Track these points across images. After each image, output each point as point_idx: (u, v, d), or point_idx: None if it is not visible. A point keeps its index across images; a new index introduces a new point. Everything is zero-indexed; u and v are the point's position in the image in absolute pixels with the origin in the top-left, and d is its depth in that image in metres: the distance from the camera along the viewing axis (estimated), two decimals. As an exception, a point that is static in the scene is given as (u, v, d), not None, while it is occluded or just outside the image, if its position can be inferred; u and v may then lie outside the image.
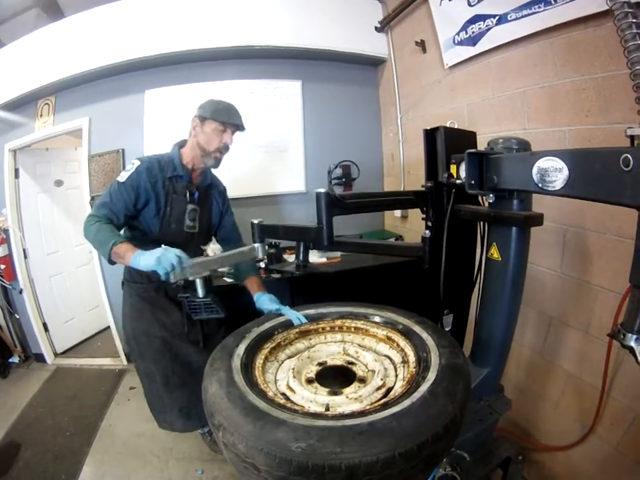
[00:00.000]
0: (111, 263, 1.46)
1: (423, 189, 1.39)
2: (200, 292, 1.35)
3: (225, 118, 1.65)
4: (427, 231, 1.28)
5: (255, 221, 1.45)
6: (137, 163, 1.67)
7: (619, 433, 1.61)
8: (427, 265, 1.27)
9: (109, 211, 1.58)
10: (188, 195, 1.73)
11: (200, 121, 1.68)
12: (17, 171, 3.46)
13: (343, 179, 1.29)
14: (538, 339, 2.01)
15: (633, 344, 0.84)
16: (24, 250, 3.53)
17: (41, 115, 3.30)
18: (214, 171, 1.87)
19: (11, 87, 3.12)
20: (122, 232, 1.68)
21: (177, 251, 1.33)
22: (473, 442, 1.41)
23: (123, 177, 1.64)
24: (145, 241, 1.65)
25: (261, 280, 1.84)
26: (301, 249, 1.41)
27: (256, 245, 1.45)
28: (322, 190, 1.18)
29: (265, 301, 1.63)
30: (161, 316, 1.82)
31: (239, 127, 1.71)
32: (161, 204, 1.69)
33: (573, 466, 1.82)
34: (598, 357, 1.62)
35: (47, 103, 3.27)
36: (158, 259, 1.30)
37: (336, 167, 1.25)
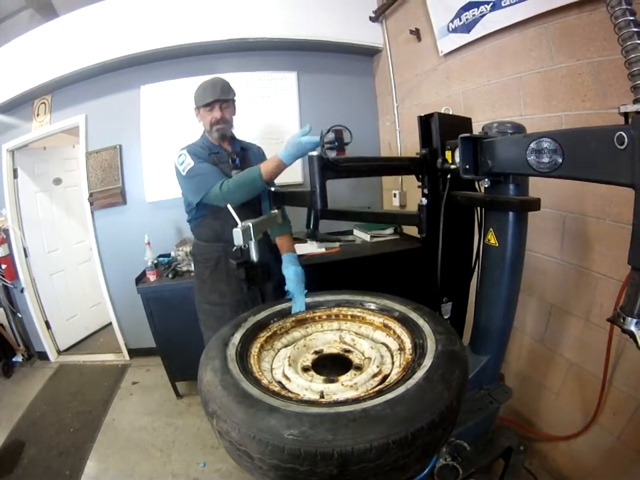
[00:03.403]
0: (269, 185, 1.59)
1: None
2: (254, 256, 1.32)
3: (203, 101, 1.83)
4: (424, 199, 1.26)
5: (272, 189, 1.53)
6: (184, 151, 1.80)
7: (622, 422, 1.60)
8: (424, 234, 1.26)
9: (213, 177, 1.69)
10: (231, 161, 1.88)
11: (196, 110, 1.91)
12: (15, 171, 3.46)
13: (336, 143, 1.27)
14: (538, 326, 2.00)
15: (633, 328, 0.82)
16: (24, 249, 3.53)
17: (38, 114, 3.28)
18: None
19: (7, 87, 3.10)
20: (190, 212, 1.90)
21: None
22: (473, 431, 1.40)
23: (189, 163, 1.75)
24: (211, 211, 1.82)
25: (292, 238, 1.92)
26: (312, 217, 1.40)
27: (273, 211, 1.52)
28: (315, 153, 1.17)
29: (288, 267, 1.68)
30: (220, 285, 1.92)
31: (218, 100, 1.82)
32: None
33: (576, 456, 1.82)
34: (599, 345, 1.61)
35: (43, 102, 3.25)
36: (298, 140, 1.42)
37: (328, 132, 1.24)
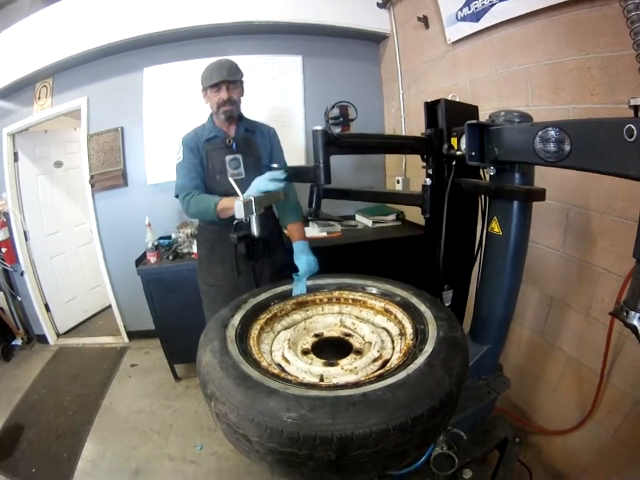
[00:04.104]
0: (221, 221, 1.63)
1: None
2: (255, 230, 1.30)
3: (210, 82, 1.82)
4: (428, 179, 1.26)
5: (275, 166, 1.50)
6: (180, 141, 1.91)
7: (617, 420, 1.60)
8: (428, 214, 1.25)
9: (191, 183, 1.82)
10: (225, 147, 1.89)
11: (203, 92, 1.91)
12: (16, 154, 3.43)
13: (340, 119, 1.27)
14: (538, 319, 2.00)
15: (636, 322, 0.81)
16: (25, 232, 3.52)
17: (39, 98, 3.26)
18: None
19: (9, 71, 3.08)
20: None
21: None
22: (470, 421, 1.40)
23: (179, 157, 1.88)
24: (209, 193, 1.84)
25: (303, 225, 1.92)
26: (314, 194, 1.38)
27: None
28: (319, 127, 1.15)
29: (300, 257, 1.65)
30: (215, 267, 1.98)
31: (226, 80, 1.82)
32: (204, 163, 1.90)
33: (570, 451, 1.82)
34: (598, 340, 1.61)
35: (45, 85, 3.22)
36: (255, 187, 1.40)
37: (333, 108, 1.23)
